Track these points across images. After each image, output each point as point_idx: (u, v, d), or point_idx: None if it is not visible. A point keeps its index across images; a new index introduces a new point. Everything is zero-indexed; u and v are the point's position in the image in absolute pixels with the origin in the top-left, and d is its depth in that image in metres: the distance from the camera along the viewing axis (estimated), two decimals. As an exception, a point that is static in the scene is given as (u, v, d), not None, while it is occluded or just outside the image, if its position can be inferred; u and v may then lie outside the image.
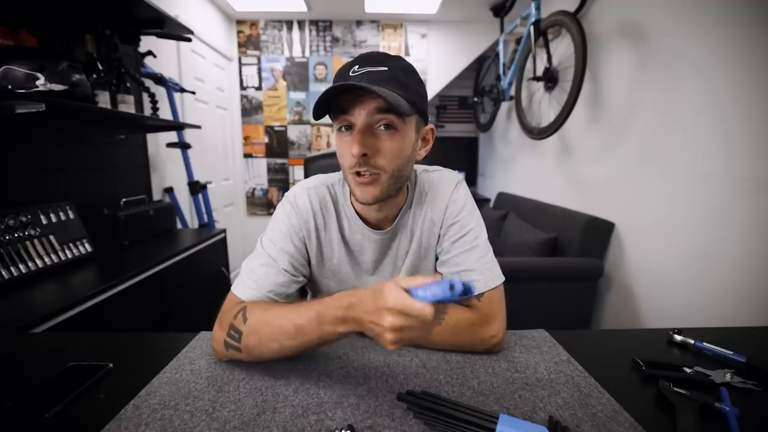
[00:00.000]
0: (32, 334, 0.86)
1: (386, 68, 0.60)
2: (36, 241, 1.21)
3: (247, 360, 0.60)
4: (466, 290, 0.42)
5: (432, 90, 3.46)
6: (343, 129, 0.63)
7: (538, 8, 2.15)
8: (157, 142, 2.13)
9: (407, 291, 0.45)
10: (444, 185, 0.76)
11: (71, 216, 1.37)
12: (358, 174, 0.63)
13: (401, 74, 0.61)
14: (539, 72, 2.25)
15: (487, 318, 0.65)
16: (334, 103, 0.61)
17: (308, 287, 0.84)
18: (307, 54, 3.37)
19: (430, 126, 0.72)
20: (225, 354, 0.60)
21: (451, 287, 0.42)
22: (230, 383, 0.56)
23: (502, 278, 0.70)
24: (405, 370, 0.60)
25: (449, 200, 0.74)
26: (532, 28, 2.18)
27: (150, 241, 1.67)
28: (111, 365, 0.58)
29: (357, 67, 0.60)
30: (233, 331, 0.59)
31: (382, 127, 0.61)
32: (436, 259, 0.77)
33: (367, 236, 0.74)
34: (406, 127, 0.63)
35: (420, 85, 0.65)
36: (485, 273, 0.69)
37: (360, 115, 0.60)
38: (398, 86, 0.59)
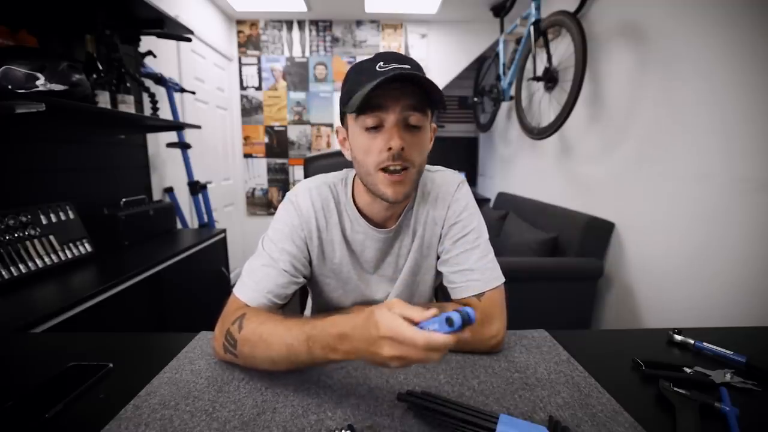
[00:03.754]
0: (32, 334, 0.86)
1: (409, 66, 0.61)
2: (36, 241, 1.20)
3: (243, 366, 0.60)
4: (465, 320, 0.39)
5: (432, 90, 3.45)
6: (371, 128, 0.63)
7: (538, 8, 2.15)
8: (157, 142, 2.13)
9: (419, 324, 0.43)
10: (446, 185, 0.76)
11: (71, 216, 1.37)
12: (386, 171, 0.63)
13: (422, 72, 0.62)
14: (539, 72, 2.25)
15: (488, 318, 0.65)
16: (363, 100, 0.59)
17: (309, 287, 0.84)
18: (307, 54, 3.37)
19: (434, 125, 0.73)
20: (224, 356, 0.61)
21: (448, 321, 0.40)
22: (230, 383, 0.56)
23: (503, 279, 0.70)
24: (405, 370, 0.60)
25: (451, 200, 0.75)
26: (532, 28, 2.18)
27: (150, 241, 1.67)
28: (111, 365, 0.58)
29: (382, 63, 0.61)
30: (230, 337, 0.59)
31: (412, 123, 0.63)
32: (438, 258, 0.77)
33: (370, 235, 0.74)
34: (427, 124, 0.66)
35: None
36: (485, 273, 0.69)
37: (395, 111, 0.61)
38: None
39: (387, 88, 0.58)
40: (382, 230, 0.74)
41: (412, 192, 0.67)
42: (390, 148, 0.61)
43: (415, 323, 0.43)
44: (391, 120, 0.61)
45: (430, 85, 0.59)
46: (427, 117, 0.65)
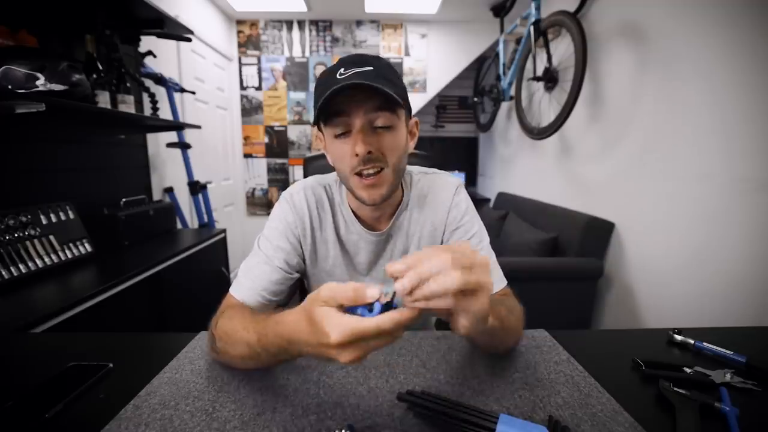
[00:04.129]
0: (32, 334, 0.86)
1: (372, 67, 0.60)
2: (36, 241, 1.21)
3: (231, 364, 0.59)
4: (387, 303, 0.38)
5: (432, 90, 3.46)
6: (340, 135, 0.64)
7: (538, 8, 2.15)
8: (157, 142, 2.13)
9: (345, 309, 0.40)
10: (444, 189, 0.76)
11: (71, 216, 1.37)
12: (360, 175, 0.63)
13: (386, 71, 0.62)
14: (539, 72, 2.25)
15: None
16: (329, 108, 0.61)
17: (306, 286, 0.84)
18: (307, 54, 3.37)
19: (415, 119, 0.73)
20: (212, 355, 0.61)
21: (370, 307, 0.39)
22: (230, 383, 0.56)
23: (506, 281, 0.72)
24: (405, 370, 0.60)
25: (451, 205, 0.75)
26: (532, 28, 2.18)
27: (150, 241, 1.67)
28: (111, 365, 0.58)
29: (343, 69, 0.60)
30: (211, 334, 0.60)
31: (379, 125, 0.62)
32: None
33: (363, 237, 0.74)
34: (399, 122, 0.65)
35: (401, 80, 0.66)
36: (494, 274, 0.70)
37: (358, 115, 0.61)
38: (387, 83, 0.59)
39: (349, 93, 0.58)
40: (374, 233, 0.74)
41: (390, 193, 0.67)
42: (357, 154, 0.61)
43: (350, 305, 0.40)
44: (357, 125, 0.61)
45: (383, 91, 0.57)
46: (397, 116, 0.64)
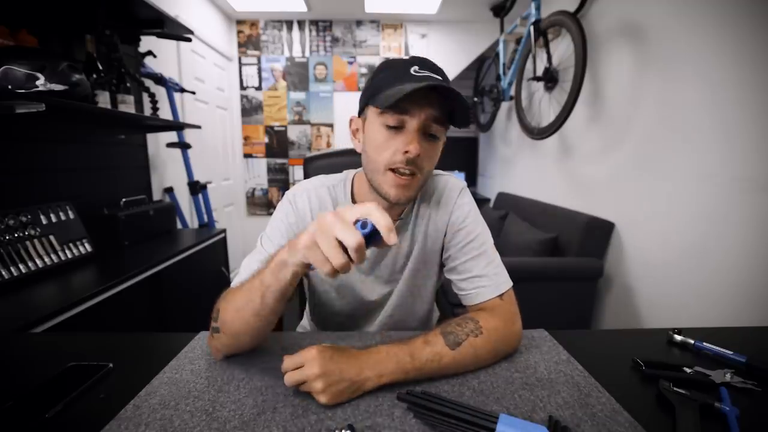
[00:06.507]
0: (32, 334, 0.86)
1: (441, 78, 0.62)
2: (36, 241, 1.21)
3: (231, 344, 0.60)
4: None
5: (432, 90, 3.45)
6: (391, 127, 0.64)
7: (538, 8, 2.15)
8: (157, 142, 2.13)
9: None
10: (449, 191, 0.76)
11: (71, 216, 1.37)
12: (396, 172, 0.63)
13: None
14: (539, 72, 2.25)
15: (512, 316, 0.66)
16: (396, 99, 0.59)
17: (306, 288, 0.84)
18: (307, 54, 3.37)
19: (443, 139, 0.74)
20: (212, 344, 0.61)
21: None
22: (230, 383, 0.56)
23: (511, 282, 0.71)
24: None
25: (454, 206, 0.75)
26: (532, 28, 2.18)
27: (150, 241, 1.67)
28: (111, 365, 0.58)
29: (417, 68, 0.61)
30: (215, 313, 0.61)
31: (431, 132, 0.64)
32: (442, 266, 0.77)
33: None
34: (443, 136, 0.67)
35: None
36: (493, 279, 0.70)
37: (419, 117, 0.61)
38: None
39: (417, 94, 0.58)
40: None
41: (415, 197, 0.68)
42: (407, 152, 0.61)
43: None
44: (414, 125, 0.62)
45: (462, 102, 0.59)
46: (444, 130, 0.65)
